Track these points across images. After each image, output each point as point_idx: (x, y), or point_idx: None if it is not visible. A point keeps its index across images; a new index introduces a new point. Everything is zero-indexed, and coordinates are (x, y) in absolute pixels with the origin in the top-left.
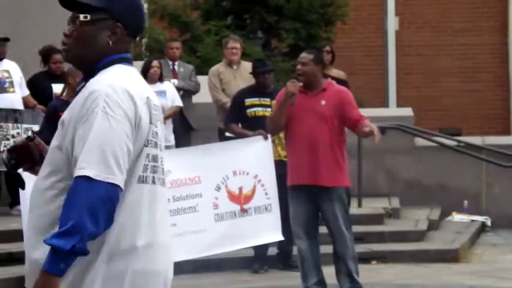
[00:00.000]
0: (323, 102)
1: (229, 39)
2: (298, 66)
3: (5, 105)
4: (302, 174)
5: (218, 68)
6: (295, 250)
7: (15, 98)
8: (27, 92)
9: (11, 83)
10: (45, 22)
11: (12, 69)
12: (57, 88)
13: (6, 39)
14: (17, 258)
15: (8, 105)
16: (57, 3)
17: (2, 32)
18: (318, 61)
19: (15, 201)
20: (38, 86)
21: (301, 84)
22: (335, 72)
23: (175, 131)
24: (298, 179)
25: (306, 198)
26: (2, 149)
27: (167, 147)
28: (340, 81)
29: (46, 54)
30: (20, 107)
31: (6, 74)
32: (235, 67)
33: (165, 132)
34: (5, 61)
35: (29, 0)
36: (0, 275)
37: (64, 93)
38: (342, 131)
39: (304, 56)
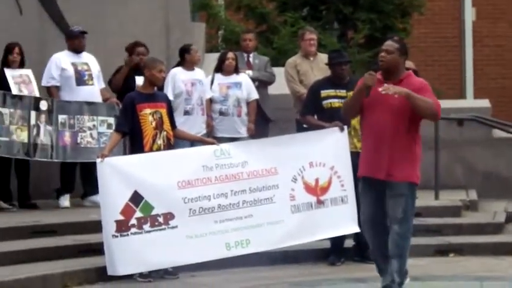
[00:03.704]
0: (396, 95)
1: (306, 31)
2: (382, 54)
3: (84, 97)
4: (370, 167)
5: (295, 59)
6: None
7: (94, 90)
8: (103, 85)
9: (90, 75)
10: (125, 14)
11: (91, 63)
12: (140, 80)
13: (84, 32)
14: (96, 250)
15: (86, 98)
16: None
17: (79, 25)
18: (402, 51)
19: (87, 192)
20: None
21: (378, 76)
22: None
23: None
24: (366, 172)
25: (374, 190)
26: (78, 141)
27: (242, 138)
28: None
29: (131, 49)
30: (98, 99)
31: (85, 67)
32: (311, 58)
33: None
34: (84, 54)
35: None
36: (80, 265)
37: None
38: (416, 124)
39: (390, 43)
